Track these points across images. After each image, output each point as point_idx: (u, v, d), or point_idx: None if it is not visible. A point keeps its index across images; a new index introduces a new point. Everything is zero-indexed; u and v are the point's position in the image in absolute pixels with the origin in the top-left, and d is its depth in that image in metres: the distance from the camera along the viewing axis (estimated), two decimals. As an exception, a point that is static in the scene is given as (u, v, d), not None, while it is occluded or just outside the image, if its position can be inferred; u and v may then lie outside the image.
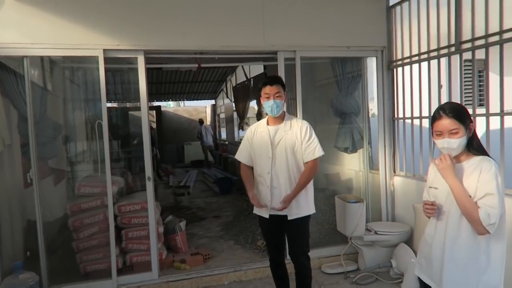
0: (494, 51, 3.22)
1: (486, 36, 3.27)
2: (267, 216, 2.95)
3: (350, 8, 4.27)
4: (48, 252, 3.67)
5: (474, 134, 1.97)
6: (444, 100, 3.78)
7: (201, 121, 14.49)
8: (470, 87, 3.52)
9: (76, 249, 3.91)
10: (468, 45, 3.47)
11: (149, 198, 3.89)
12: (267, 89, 2.87)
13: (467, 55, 3.53)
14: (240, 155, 3.12)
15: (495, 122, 3.21)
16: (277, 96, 2.85)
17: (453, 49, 3.62)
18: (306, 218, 2.99)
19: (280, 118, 2.95)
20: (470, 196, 1.85)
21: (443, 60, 3.82)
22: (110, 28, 3.62)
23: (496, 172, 1.84)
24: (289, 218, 2.91)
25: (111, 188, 3.78)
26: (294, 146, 2.90)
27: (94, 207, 3.93)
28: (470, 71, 3.47)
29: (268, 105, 2.86)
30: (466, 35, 3.50)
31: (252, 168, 3.08)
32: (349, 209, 3.97)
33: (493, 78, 3.22)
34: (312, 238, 4.35)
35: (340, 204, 4.11)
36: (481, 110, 3.44)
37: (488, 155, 1.95)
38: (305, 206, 2.96)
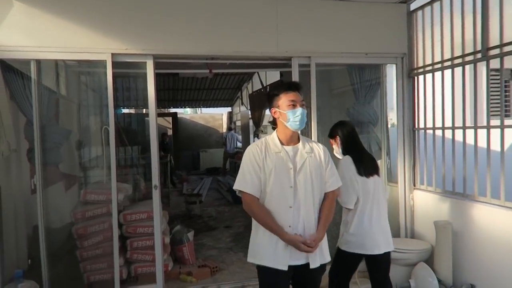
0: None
1: (517, 41, 3.04)
2: (285, 269, 2.23)
3: (368, 12, 4.08)
4: (50, 260, 3.58)
5: (339, 143, 2.96)
6: (468, 110, 3.56)
7: (229, 128, 14.54)
8: (498, 97, 3.28)
9: (80, 258, 3.81)
10: (496, 51, 3.23)
11: (155, 208, 3.76)
12: (291, 96, 2.26)
13: (494, 63, 3.28)
14: (244, 184, 2.24)
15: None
16: (303, 104, 2.29)
17: (479, 55, 3.39)
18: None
19: (296, 137, 2.35)
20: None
21: (468, 68, 3.60)
22: (119, 32, 3.55)
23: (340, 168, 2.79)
24: (311, 266, 2.26)
25: (116, 195, 3.66)
26: (320, 173, 2.32)
27: (99, 214, 3.83)
28: (498, 81, 3.23)
29: (296, 114, 2.23)
30: (494, 41, 3.27)
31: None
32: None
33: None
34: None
35: (355, 219, 3.89)
36: (508, 121, 3.19)
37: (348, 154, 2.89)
38: (326, 249, 2.40)
